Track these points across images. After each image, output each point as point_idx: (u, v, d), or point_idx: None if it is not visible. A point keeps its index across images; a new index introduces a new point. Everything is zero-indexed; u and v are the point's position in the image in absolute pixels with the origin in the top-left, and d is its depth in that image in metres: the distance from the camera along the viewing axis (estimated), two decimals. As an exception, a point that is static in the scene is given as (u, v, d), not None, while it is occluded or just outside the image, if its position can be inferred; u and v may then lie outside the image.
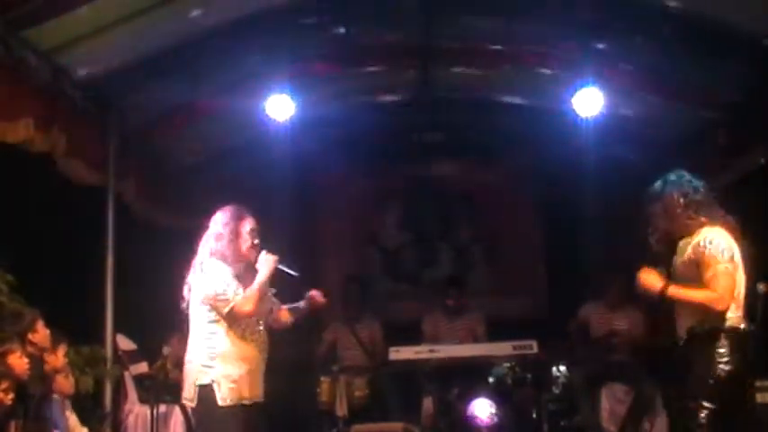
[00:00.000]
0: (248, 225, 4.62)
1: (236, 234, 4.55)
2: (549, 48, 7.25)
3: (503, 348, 7.40)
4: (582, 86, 7.06)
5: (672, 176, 4.64)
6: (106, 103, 6.56)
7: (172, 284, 8.15)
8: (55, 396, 5.37)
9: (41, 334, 5.18)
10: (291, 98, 7.05)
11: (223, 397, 4.34)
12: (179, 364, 7.39)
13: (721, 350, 4.27)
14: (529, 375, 7.49)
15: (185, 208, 8.55)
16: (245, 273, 4.57)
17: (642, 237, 4.72)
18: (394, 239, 10.01)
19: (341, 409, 7.12)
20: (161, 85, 6.76)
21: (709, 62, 6.68)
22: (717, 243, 4.35)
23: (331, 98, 8.26)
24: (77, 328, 5.96)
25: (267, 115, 7.13)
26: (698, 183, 4.61)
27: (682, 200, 4.50)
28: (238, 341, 4.43)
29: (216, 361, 4.38)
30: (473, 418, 7.28)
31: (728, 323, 4.35)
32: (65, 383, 5.46)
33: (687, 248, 4.44)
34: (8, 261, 5.59)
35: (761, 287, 5.08)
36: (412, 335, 8.02)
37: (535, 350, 7.31)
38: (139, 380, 6.75)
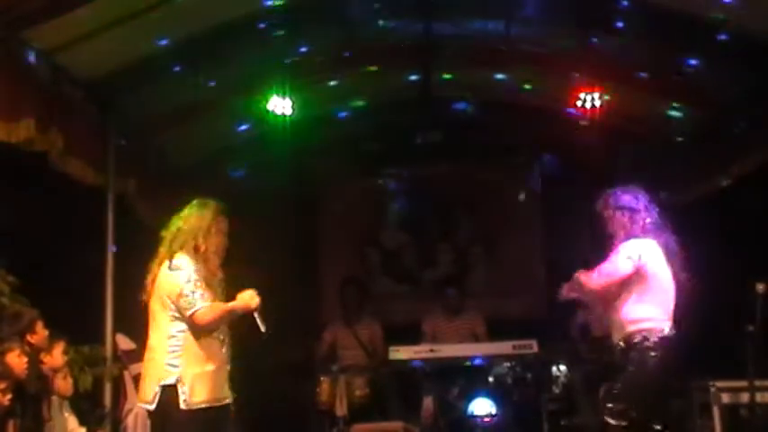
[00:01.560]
0: (223, 222, 4.48)
1: (216, 230, 4.41)
2: (549, 48, 7.25)
3: (503, 348, 7.41)
4: (581, 86, 7.07)
5: (627, 189, 5.14)
6: (106, 103, 6.56)
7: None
8: (54, 397, 5.37)
9: (40, 335, 5.16)
10: (292, 98, 7.05)
11: (186, 399, 4.12)
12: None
13: (652, 353, 4.77)
14: (529, 375, 7.50)
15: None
16: (209, 272, 4.38)
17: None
18: (394, 240, 10.01)
19: (341, 409, 7.12)
20: (161, 85, 6.77)
21: (709, 62, 6.68)
22: (625, 247, 4.90)
23: (331, 98, 8.28)
24: (77, 328, 5.96)
25: (267, 115, 7.13)
26: (646, 201, 5.08)
27: (627, 213, 5.03)
28: (204, 339, 4.23)
29: (181, 360, 4.17)
30: (473, 417, 7.29)
31: (657, 329, 4.83)
32: (63, 384, 5.45)
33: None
34: (8, 261, 5.60)
35: (760, 287, 5.10)
36: (412, 335, 8.03)
37: (535, 350, 7.33)
38: (139, 379, 6.74)
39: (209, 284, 4.29)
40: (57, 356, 5.30)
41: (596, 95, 7.09)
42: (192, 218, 4.42)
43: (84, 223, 6.82)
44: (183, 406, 4.11)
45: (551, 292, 9.35)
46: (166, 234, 4.41)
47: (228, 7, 6.19)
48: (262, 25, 6.55)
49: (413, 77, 8.18)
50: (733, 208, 7.45)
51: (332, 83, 7.98)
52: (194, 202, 4.53)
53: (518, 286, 9.70)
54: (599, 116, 7.23)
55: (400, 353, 7.41)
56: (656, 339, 4.78)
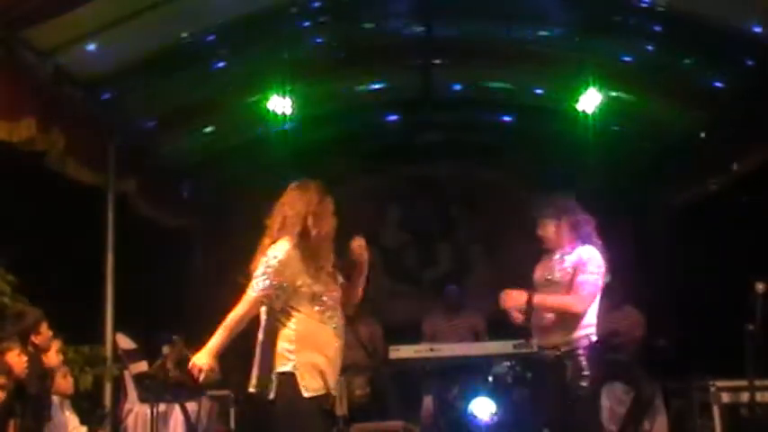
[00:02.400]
0: (330, 203, 4.28)
1: (325, 212, 4.21)
2: (549, 47, 7.25)
3: (503, 347, 7.40)
4: (582, 85, 7.07)
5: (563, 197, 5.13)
6: (106, 103, 6.56)
7: (172, 283, 8.24)
8: (54, 396, 5.37)
9: (44, 335, 5.14)
10: (292, 98, 7.05)
11: (306, 386, 3.96)
12: (179, 364, 7.45)
13: (583, 361, 4.77)
14: (529, 374, 7.49)
15: (185, 207, 8.57)
16: (318, 257, 4.18)
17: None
18: (394, 239, 10.01)
19: (341, 409, 7.09)
20: (161, 85, 6.77)
21: (709, 62, 6.69)
22: (593, 257, 4.82)
23: (331, 98, 8.28)
24: (77, 328, 5.96)
25: (267, 115, 7.13)
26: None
27: (573, 220, 4.98)
28: (318, 326, 4.07)
29: (296, 347, 3.99)
30: (473, 416, 7.29)
31: (592, 334, 4.81)
32: (63, 383, 5.44)
33: (558, 264, 4.92)
34: (8, 261, 5.61)
35: (760, 287, 5.10)
36: (412, 334, 8.03)
37: (535, 349, 7.31)
38: (139, 379, 6.75)
39: (321, 269, 4.14)
40: (52, 356, 5.29)
41: (596, 95, 7.09)
42: (297, 203, 4.22)
43: (84, 223, 6.83)
44: (303, 394, 3.97)
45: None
46: (271, 223, 4.20)
47: (228, 7, 6.20)
48: (262, 25, 6.54)
49: (413, 77, 8.18)
50: (732, 208, 7.45)
51: (332, 83, 7.98)
52: (293, 185, 4.34)
53: (518, 285, 9.67)
54: (599, 116, 7.24)
55: (400, 352, 7.40)
56: (588, 344, 4.78)
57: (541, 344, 4.99)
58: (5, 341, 4.75)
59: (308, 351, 4.03)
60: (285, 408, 3.99)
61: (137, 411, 6.76)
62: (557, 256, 4.98)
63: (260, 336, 4.13)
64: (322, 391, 4.03)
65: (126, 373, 6.77)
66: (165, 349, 6.68)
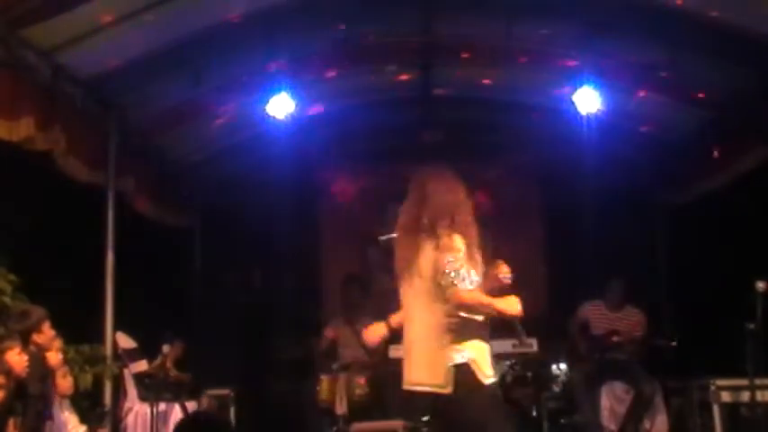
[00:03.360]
0: (468, 191, 4.26)
1: (465, 198, 4.22)
2: (549, 47, 7.25)
3: (503, 346, 7.40)
4: (582, 85, 7.07)
5: None
6: (106, 102, 6.57)
7: (172, 283, 8.24)
8: (54, 396, 5.37)
9: (47, 335, 5.14)
10: (292, 97, 7.06)
11: (485, 373, 3.95)
12: (179, 363, 7.46)
13: None
14: (529, 373, 7.50)
15: (185, 207, 8.57)
16: (472, 243, 4.18)
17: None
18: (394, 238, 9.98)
19: (340, 408, 7.11)
20: (161, 85, 6.77)
21: (709, 62, 6.69)
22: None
23: (331, 97, 8.28)
24: (77, 328, 5.96)
25: (267, 114, 7.14)
26: None
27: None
28: (479, 319, 4.08)
29: (466, 339, 3.98)
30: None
31: None
32: (63, 383, 5.44)
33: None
34: (8, 260, 5.61)
35: (760, 285, 5.10)
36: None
37: (535, 348, 7.32)
38: (139, 378, 6.75)
39: (473, 256, 4.12)
40: (52, 355, 5.29)
41: (596, 94, 7.09)
42: (448, 194, 4.23)
43: (84, 222, 6.84)
44: (483, 381, 3.94)
45: (551, 291, 9.47)
46: (419, 214, 4.21)
47: (228, 6, 6.20)
48: (262, 24, 6.54)
49: (413, 76, 8.18)
50: (733, 208, 7.45)
51: (331, 82, 7.97)
52: (430, 176, 4.36)
53: (518, 285, 9.66)
54: (599, 115, 7.24)
55: (401, 351, 7.38)
56: None
57: None
58: (6, 340, 4.74)
59: (474, 339, 4.01)
60: (467, 398, 3.93)
61: (137, 410, 6.77)
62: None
63: (419, 331, 4.10)
64: (495, 378, 4.00)
65: (126, 371, 6.78)
66: (165, 348, 6.70)
